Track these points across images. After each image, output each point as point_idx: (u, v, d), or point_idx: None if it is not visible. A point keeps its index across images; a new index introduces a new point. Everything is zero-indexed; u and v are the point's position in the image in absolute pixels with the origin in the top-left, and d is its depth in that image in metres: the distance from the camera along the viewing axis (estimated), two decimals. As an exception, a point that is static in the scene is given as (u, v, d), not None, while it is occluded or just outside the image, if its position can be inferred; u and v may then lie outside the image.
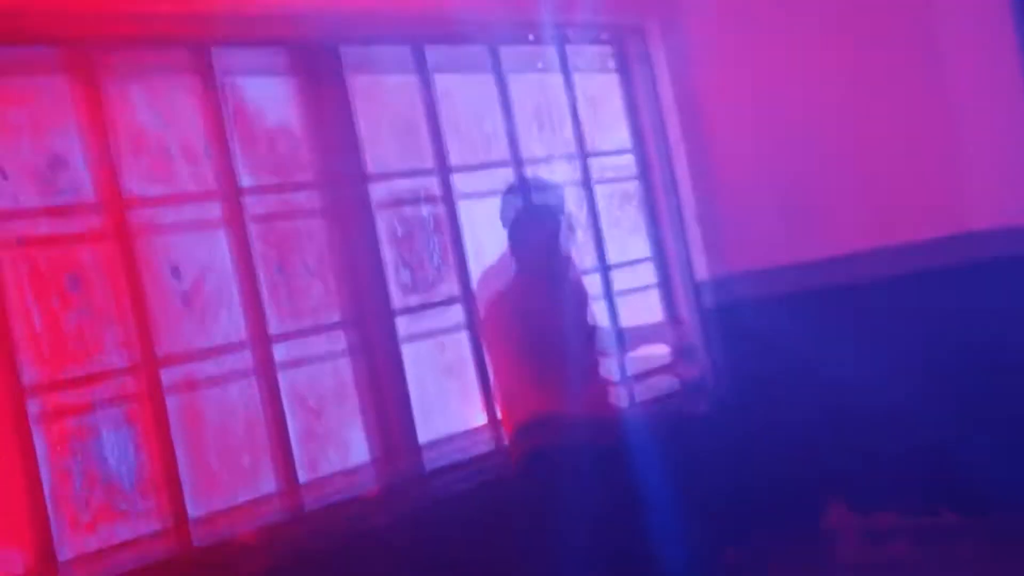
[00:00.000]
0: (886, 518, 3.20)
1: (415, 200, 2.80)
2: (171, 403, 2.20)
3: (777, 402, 3.16)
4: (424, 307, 2.76)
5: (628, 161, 3.37)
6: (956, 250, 2.94)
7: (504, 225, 2.51)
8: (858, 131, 3.02)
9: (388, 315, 2.63)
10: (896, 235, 3.01)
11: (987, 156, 2.98)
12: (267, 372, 2.38)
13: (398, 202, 2.76)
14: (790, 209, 3.13)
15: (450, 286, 2.83)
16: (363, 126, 2.65)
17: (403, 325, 2.69)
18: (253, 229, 2.43)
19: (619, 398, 2.60)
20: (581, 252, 3.16)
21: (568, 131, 3.19)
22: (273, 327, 2.43)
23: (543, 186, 2.56)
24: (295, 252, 2.53)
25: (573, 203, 3.14)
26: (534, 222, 2.45)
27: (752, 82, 3.24)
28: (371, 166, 2.67)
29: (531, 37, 3.04)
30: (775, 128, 3.20)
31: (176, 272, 2.24)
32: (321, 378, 2.54)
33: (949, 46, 3.02)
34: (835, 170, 3.08)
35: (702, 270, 3.31)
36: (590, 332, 2.63)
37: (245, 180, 2.41)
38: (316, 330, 2.52)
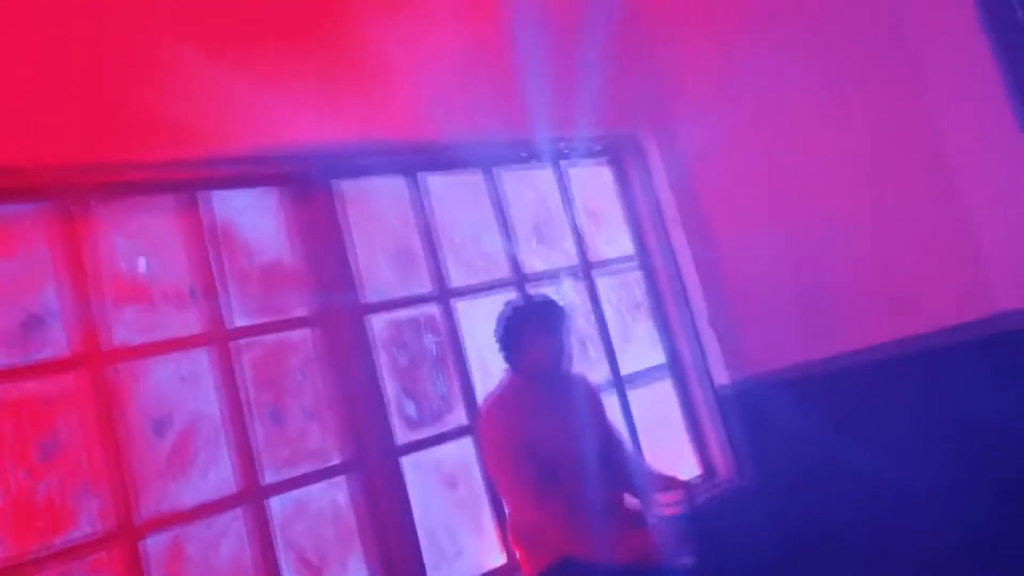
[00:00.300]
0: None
1: (416, 328, 2.68)
2: (153, 573, 1.98)
3: (809, 503, 2.89)
4: (431, 442, 2.56)
5: (634, 269, 3.27)
6: (983, 331, 2.73)
7: (501, 327, 2.30)
8: (871, 223, 2.91)
9: (392, 453, 2.44)
10: (919, 325, 2.83)
11: (1005, 235, 2.81)
12: (261, 528, 2.17)
13: (399, 331, 2.63)
14: (807, 306, 2.98)
15: (458, 415, 2.65)
16: (359, 255, 2.56)
17: (410, 462, 2.49)
18: (245, 373, 2.29)
19: (655, 535, 2.33)
20: (593, 365, 3.00)
21: (569, 243, 3.11)
22: (268, 476, 2.24)
23: (545, 299, 2.42)
24: (290, 394, 2.37)
25: (579, 316, 3.02)
26: (536, 315, 2.27)
27: (754, 181, 3.18)
28: (369, 296, 2.56)
29: (526, 155, 3.02)
30: (782, 225, 3.11)
31: (159, 427, 2.08)
32: (321, 529, 2.32)
33: (950, 127, 2.94)
34: (850, 264, 2.95)
35: (720, 375, 3.13)
36: (613, 445, 2.40)
37: (236, 320, 2.30)
38: (314, 477, 2.32)
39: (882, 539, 2.88)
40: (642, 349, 3.20)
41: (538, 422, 2.23)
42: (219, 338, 2.24)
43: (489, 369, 2.72)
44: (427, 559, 2.42)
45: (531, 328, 2.27)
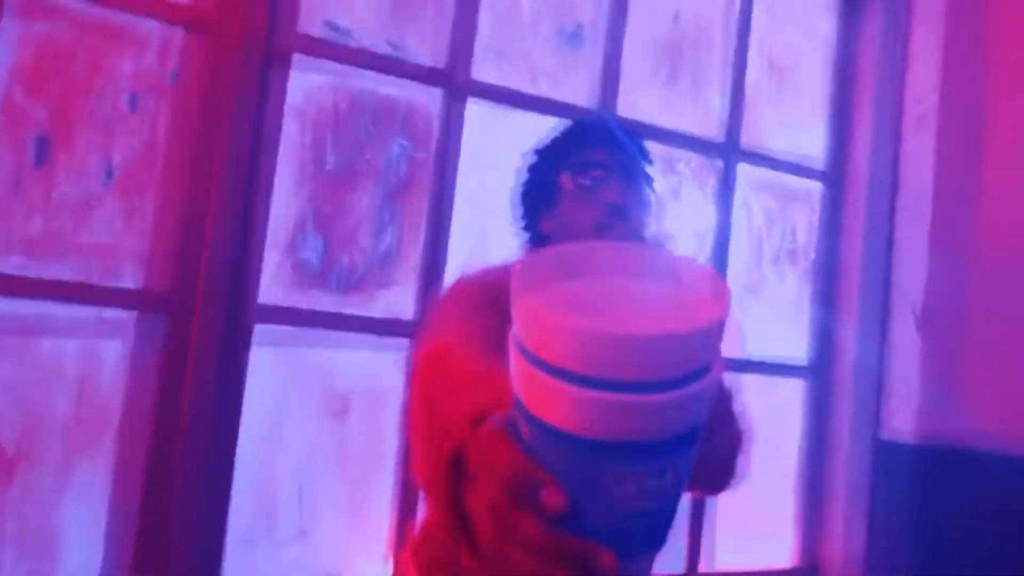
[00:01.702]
0: None
1: (384, 117, 1.44)
2: None
3: None
4: (330, 322, 1.36)
5: (814, 188, 1.86)
6: None
7: (527, 160, 1.07)
8: None
9: (243, 314, 1.26)
10: None
11: None
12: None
13: (342, 104, 1.41)
14: None
15: (396, 298, 1.43)
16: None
17: (273, 343, 1.31)
18: (11, 51, 1.17)
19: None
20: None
21: (719, 102, 1.75)
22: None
23: (635, 151, 1.10)
24: (93, 123, 1.23)
25: (686, 219, 1.68)
26: (590, 137, 1.03)
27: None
28: (305, 23, 1.36)
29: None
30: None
31: None
32: (52, 391, 1.20)
33: None
34: None
35: (898, 419, 1.70)
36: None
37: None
38: (75, 291, 1.19)
39: None
40: (773, 326, 1.82)
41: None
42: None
43: (487, 244, 1.47)
44: (237, 525, 1.26)
45: (575, 158, 1.01)
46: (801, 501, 1.83)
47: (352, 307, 1.38)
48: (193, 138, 1.26)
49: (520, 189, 1.08)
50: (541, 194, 1.04)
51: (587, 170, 0.99)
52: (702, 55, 1.75)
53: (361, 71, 1.39)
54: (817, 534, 1.81)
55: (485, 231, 1.47)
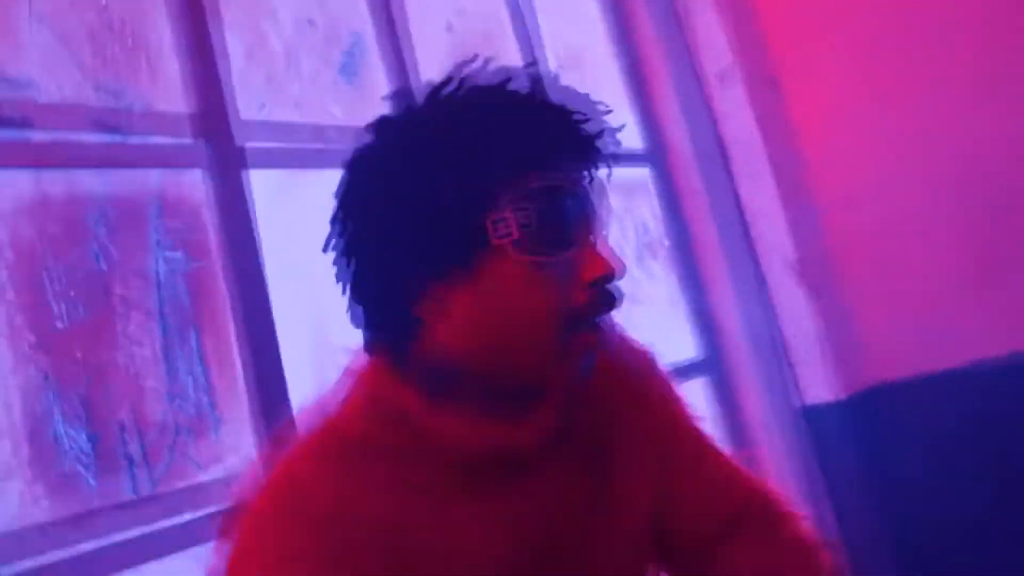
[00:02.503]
0: None
1: (127, 199, 0.99)
2: None
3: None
4: (147, 546, 0.86)
5: (640, 176, 1.72)
6: None
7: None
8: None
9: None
10: None
11: None
12: None
13: (62, 202, 0.94)
14: (988, 261, 1.49)
15: (229, 435, 0.97)
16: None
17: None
18: None
19: None
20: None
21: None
22: None
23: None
24: None
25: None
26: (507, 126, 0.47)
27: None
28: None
29: None
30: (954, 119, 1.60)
31: None
32: None
33: None
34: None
35: (817, 384, 1.59)
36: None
37: None
38: None
39: None
40: (665, 331, 1.63)
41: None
42: None
43: (328, 339, 1.07)
44: None
45: (519, 182, 0.49)
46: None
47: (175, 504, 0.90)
48: None
49: (370, 263, 0.52)
50: (430, 267, 0.50)
51: (558, 200, 0.50)
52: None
53: (70, 147, 0.92)
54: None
55: (322, 321, 1.07)
